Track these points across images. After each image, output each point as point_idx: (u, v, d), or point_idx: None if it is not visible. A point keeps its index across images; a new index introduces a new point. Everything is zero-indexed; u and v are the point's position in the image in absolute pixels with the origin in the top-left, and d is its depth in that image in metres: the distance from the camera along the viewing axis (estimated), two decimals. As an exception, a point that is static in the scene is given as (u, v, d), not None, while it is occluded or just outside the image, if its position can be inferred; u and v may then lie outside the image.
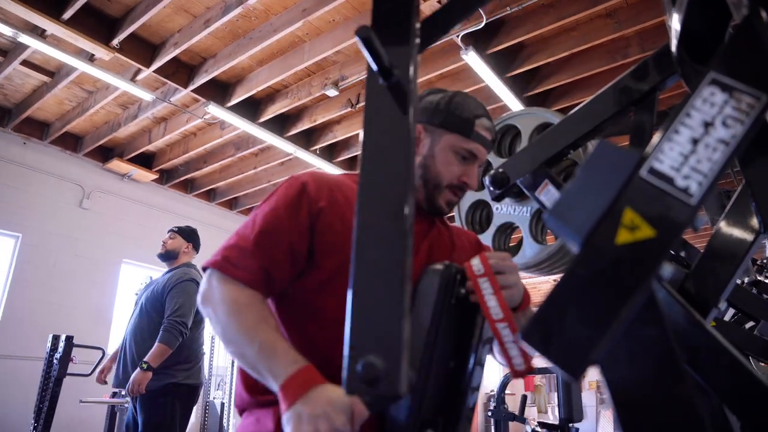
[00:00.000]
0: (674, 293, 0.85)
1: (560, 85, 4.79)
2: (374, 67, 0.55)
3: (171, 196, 7.27)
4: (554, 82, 4.72)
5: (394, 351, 0.53)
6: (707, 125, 0.49)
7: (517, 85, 4.75)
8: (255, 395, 1.01)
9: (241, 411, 1.06)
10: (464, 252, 1.14)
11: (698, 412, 0.50)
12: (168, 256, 3.63)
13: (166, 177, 7.00)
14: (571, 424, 2.65)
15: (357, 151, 6.10)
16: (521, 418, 3.65)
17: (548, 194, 1.15)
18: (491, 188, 1.25)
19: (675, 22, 0.83)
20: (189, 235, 3.77)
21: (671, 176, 0.49)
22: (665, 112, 1.20)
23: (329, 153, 6.23)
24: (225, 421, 6.75)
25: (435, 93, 1.14)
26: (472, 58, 4.19)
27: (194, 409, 6.94)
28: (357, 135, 5.92)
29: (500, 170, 1.24)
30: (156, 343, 3.29)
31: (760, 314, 2.03)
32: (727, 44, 0.52)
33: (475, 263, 0.91)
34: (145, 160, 6.62)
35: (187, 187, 7.32)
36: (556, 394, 3.74)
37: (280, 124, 5.53)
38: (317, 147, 5.95)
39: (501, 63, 4.45)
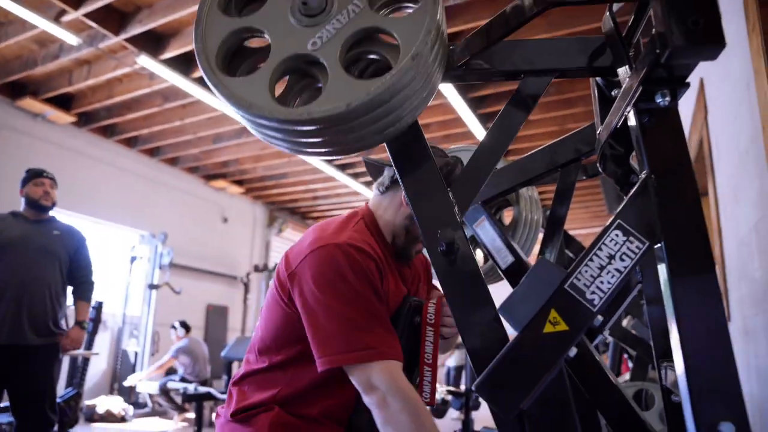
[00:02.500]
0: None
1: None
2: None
3: (89, 140, 6.94)
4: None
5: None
6: (611, 257, 0.72)
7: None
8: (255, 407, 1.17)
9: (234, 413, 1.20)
10: (418, 276, 1.38)
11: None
12: (50, 209, 3.24)
13: (85, 120, 6.65)
14: (474, 393, 3.02)
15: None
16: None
17: (483, 228, 1.37)
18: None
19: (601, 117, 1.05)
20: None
21: (583, 290, 0.72)
22: (584, 166, 1.45)
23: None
24: (138, 369, 6.75)
25: (439, 156, 1.27)
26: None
27: (106, 357, 6.86)
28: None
29: (444, 200, 1.45)
30: (83, 302, 3.31)
31: (633, 312, 2.45)
32: (632, 196, 0.75)
33: (431, 311, 1.14)
34: (64, 102, 6.24)
35: (108, 132, 7.01)
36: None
37: (213, 82, 5.43)
38: (249, 106, 5.89)
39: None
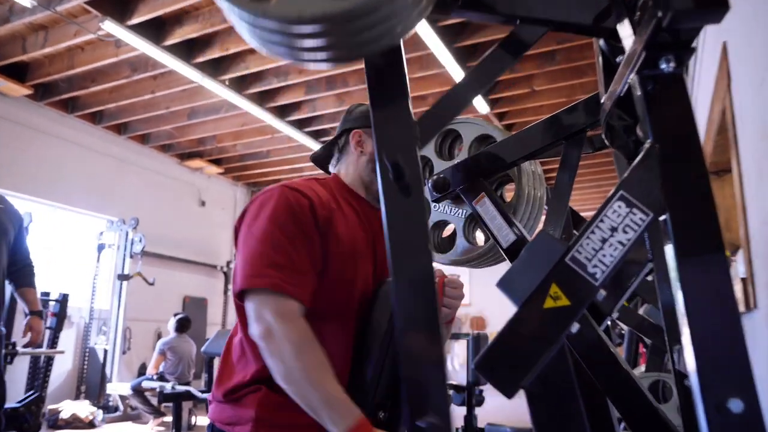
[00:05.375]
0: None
1: (491, 40, 5.09)
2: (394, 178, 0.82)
3: (47, 114, 6.93)
4: (485, 36, 5.02)
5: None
6: (613, 229, 0.78)
7: (447, 36, 5.01)
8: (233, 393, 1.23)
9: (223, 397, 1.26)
10: None
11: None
12: None
13: (42, 92, 6.63)
14: (477, 387, 3.12)
15: (269, 84, 6.13)
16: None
17: (483, 206, 1.43)
18: (433, 192, 1.52)
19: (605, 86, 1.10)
20: None
21: (585, 264, 0.77)
22: (590, 139, 1.51)
23: (239, 85, 6.21)
24: (108, 369, 6.82)
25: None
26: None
27: (72, 356, 6.91)
28: (271, 68, 5.94)
29: (442, 176, 1.50)
30: (31, 288, 3.24)
31: (648, 298, 2.51)
32: (635, 166, 0.80)
33: None
34: (17, 72, 6.21)
35: (68, 106, 7.00)
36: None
37: (186, 50, 5.43)
38: (226, 77, 5.91)
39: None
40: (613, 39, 1.01)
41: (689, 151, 0.81)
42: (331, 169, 1.51)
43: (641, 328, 2.45)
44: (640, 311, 2.87)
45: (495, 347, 0.78)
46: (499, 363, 0.78)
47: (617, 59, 1.03)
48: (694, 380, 0.77)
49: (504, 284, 0.79)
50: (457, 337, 4.94)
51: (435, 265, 1.60)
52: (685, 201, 0.79)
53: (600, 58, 1.09)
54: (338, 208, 1.33)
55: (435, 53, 5.11)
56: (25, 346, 3.17)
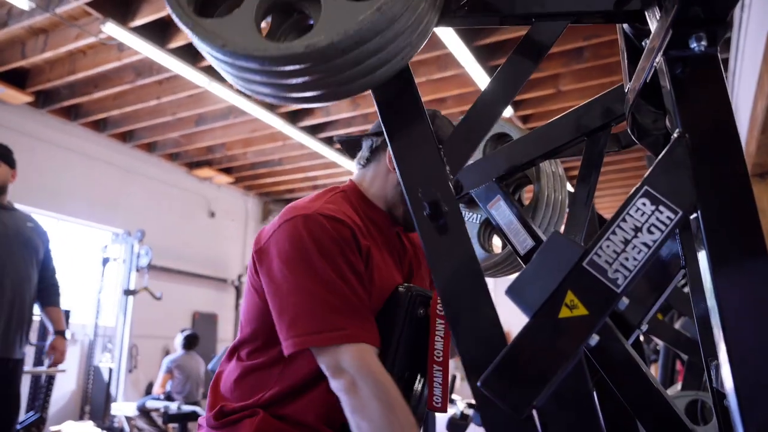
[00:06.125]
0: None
1: (515, 37, 5.04)
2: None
3: (49, 123, 7.02)
4: (508, 33, 4.98)
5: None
6: (636, 230, 0.72)
7: (466, 34, 4.97)
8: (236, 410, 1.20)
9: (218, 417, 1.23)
10: (421, 257, 1.44)
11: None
12: None
13: (43, 100, 6.72)
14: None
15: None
16: (449, 399, 4.04)
17: (499, 209, 1.38)
18: (445, 195, 1.47)
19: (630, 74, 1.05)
20: (10, 157, 3.31)
21: (605, 268, 0.72)
22: (616, 136, 1.45)
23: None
24: (113, 388, 6.83)
25: (447, 125, 1.35)
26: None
27: (75, 375, 6.95)
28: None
29: (454, 178, 1.45)
30: (56, 307, 3.37)
31: (684, 310, 2.43)
32: (661, 158, 0.75)
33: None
34: (17, 78, 6.30)
35: (71, 113, 7.08)
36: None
37: (192, 53, 5.45)
38: (235, 81, 5.92)
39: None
40: (638, 21, 0.96)
41: (724, 140, 0.76)
42: (355, 167, 1.44)
43: (677, 343, 2.38)
44: (677, 325, 2.79)
45: (503, 362, 0.73)
46: (508, 379, 0.73)
47: (642, 42, 0.98)
48: (732, 401, 0.72)
49: (514, 291, 0.74)
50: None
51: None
52: (720, 197, 0.73)
53: (623, 43, 1.04)
54: (369, 233, 1.28)
55: (454, 53, 5.07)
56: (49, 367, 3.33)
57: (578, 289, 0.72)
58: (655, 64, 0.82)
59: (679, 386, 2.73)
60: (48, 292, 3.35)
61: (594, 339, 0.73)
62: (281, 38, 0.90)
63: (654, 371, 4.17)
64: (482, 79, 5.48)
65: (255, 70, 0.80)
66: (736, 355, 0.71)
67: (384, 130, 0.92)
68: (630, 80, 1.03)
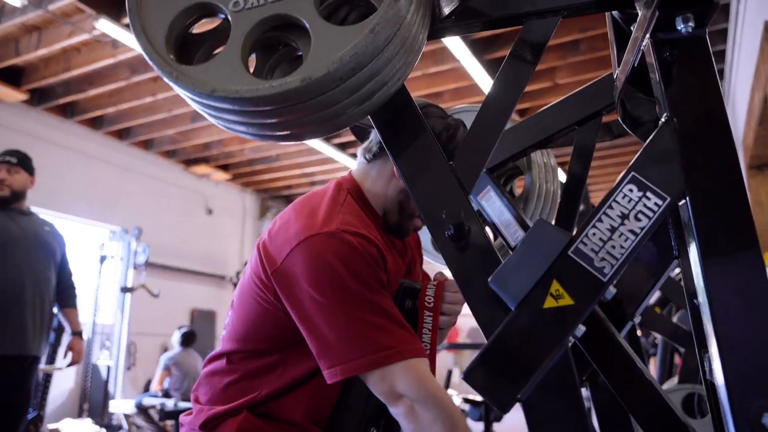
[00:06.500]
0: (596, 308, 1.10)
1: (509, 31, 5.02)
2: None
3: (45, 121, 6.98)
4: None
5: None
6: (623, 217, 0.70)
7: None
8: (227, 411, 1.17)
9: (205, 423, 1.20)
10: (411, 252, 1.40)
11: None
12: (15, 198, 3.16)
13: (39, 97, 6.68)
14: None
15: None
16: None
17: (489, 201, 1.36)
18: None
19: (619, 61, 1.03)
20: (29, 164, 3.31)
21: (591, 257, 0.70)
22: (608, 125, 1.43)
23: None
24: (111, 386, 6.83)
25: (438, 117, 1.27)
26: None
27: (73, 373, 6.95)
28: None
29: (445, 169, 1.43)
30: (74, 309, 3.44)
31: (681, 302, 2.42)
32: (648, 144, 0.73)
33: (429, 293, 1.13)
34: (12, 76, 6.27)
35: (67, 111, 7.05)
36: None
37: (187, 48, 5.42)
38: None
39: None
40: (627, 6, 0.94)
41: (713, 124, 0.73)
42: (359, 158, 1.36)
43: (674, 336, 2.36)
44: (674, 318, 2.77)
45: (486, 354, 0.71)
46: (492, 372, 0.71)
47: (631, 27, 0.95)
48: (722, 393, 0.70)
49: (497, 281, 0.72)
50: (478, 347, 4.84)
51: (436, 267, 1.54)
52: (709, 183, 0.71)
53: (612, 30, 1.02)
54: (385, 245, 1.22)
55: (449, 47, 5.05)
56: (67, 367, 3.42)
57: (564, 278, 0.70)
58: (642, 47, 0.79)
59: (675, 380, 2.72)
60: (66, 294, 3.42)
61: (580, 330, 0.70)
62: (268, 75, 0.87)
63: (653, 365, 4.16)
64: (478, 73, 5.45)
65: (248, 112, 0.78)
66: (726, 345, 0.69)
67: (388, 151, 0.89)
68: (618, 65, 1.01)
